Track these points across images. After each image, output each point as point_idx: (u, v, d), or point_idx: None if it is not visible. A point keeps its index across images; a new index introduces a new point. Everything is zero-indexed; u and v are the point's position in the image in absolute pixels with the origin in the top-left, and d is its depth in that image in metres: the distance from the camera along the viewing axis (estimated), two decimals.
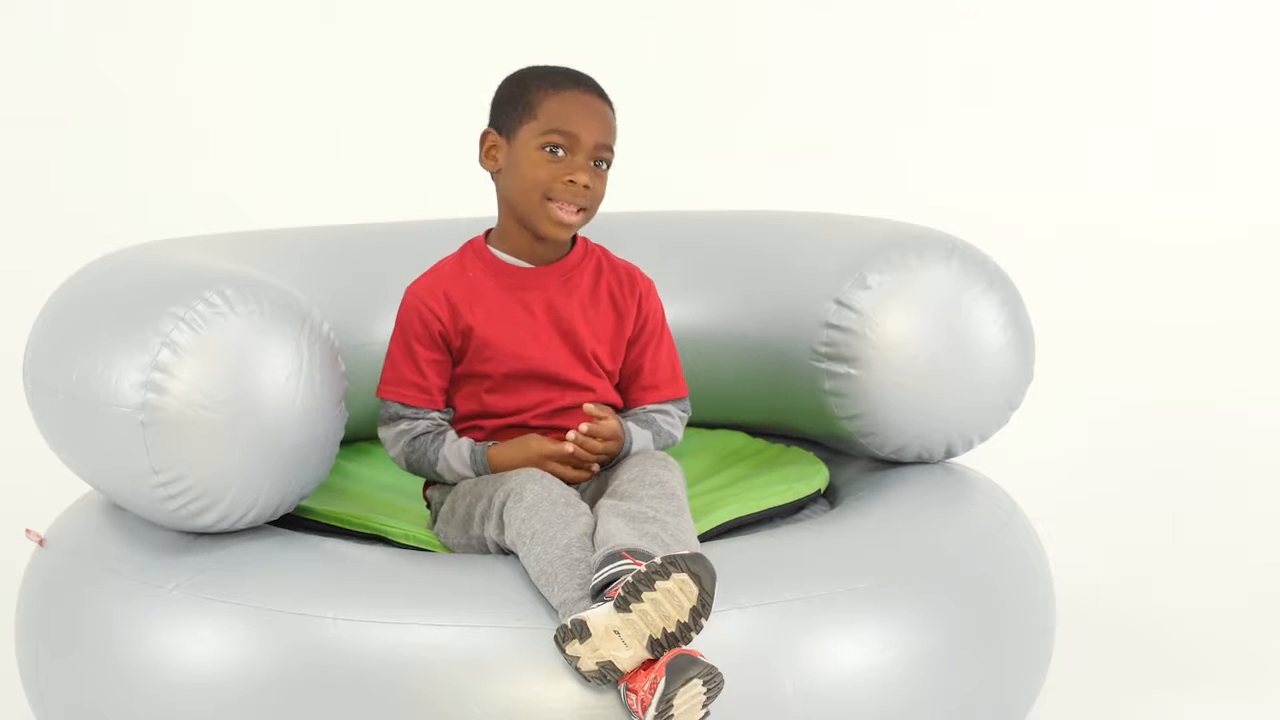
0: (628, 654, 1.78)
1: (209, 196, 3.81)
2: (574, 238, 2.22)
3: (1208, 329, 3.85)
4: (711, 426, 2.62)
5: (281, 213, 3.05)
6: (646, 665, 1.79)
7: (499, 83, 2.18)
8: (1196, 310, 3.88)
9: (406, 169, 3.85)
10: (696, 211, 2.79)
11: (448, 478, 2.15)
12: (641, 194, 2.77)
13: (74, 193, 3.88)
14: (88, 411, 2.00)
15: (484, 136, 2.17)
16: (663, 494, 2.00)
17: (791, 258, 2.49)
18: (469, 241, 2.22)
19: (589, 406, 2.11)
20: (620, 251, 2.28)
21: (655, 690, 1.74)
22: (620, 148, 2.18)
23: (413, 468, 2.17)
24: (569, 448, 2.08)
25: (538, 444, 2.10)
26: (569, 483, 2.10)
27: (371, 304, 2.50)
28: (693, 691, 1.75)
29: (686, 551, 1.80)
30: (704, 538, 2.05)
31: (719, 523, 2.16)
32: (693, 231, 2.68)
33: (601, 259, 2.23)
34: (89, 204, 3.85)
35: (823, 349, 2.32)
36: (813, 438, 2.50)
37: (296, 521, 2.17)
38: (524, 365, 2.15)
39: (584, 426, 2.09)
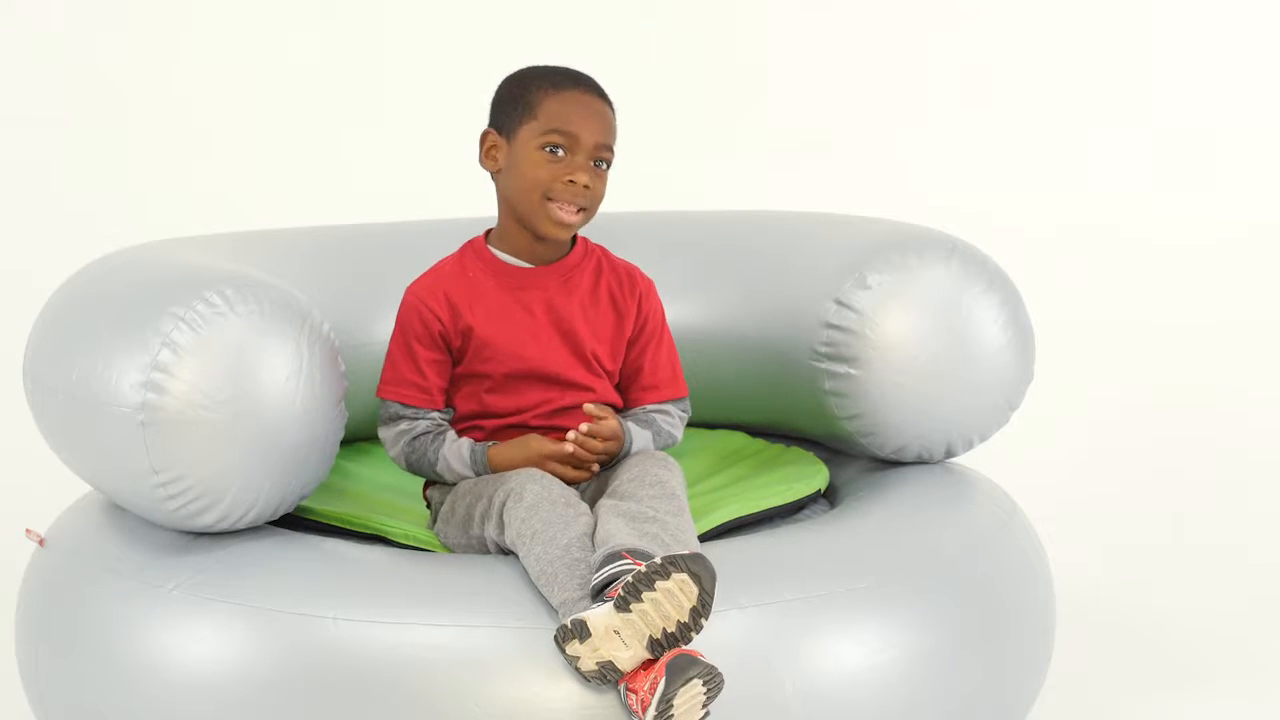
0: (628, 654, 1.78)
1: (209, 196, 3.81)
2: (574, 238, 2.22)
3: (1208, 329, 3.85)
4: (711, 426, 2.62)
5: (281, 213, 3.05)
6: (646, 665, 1.79)
7: (499, 83, 2.18)
8: (1196, 310, 3.88)
9: (406, 169, 3.85)
10: (696, 211, 2.79)
11: (448, 478, 2.15)
12: (641, 194, 2.77)
13: (74, 193, 3.88)
14: (88, 411, 2.00)
15: (484, 136, 2.17)
16: (663, 494, 2.00)
17: (791, 258, 2.49)
18: (469, 241, 2.22)
19: (589, 406, 2.11)
20: (620, 251, 2.28)
21: (655, 690, 1.74)
22: (620, 148, 2.18)
23: (413, 468, 2.17)
24: (569, 448, 2.08)
25: (537, 444, 2.10)
26: (569, 483, 2.10)
27: (371, 304, 2.50)
28: (693, 691, 1.75)
29: (686, 551, 1.80)
30: (704, 538, 2.05)
31: (719, 523, 2.16)
32: (693, 231, 2.68)
33: (602, 259, 2.23)
34: (89, 204, 3.85)
35: (823, 349, 2.32)
36: (813, 438, 2.50)
37: (296, 521, 2.17)
38: (524, 365, 2.15)
39: (584, 426, 2.09)
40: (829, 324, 2.31)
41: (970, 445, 2.37)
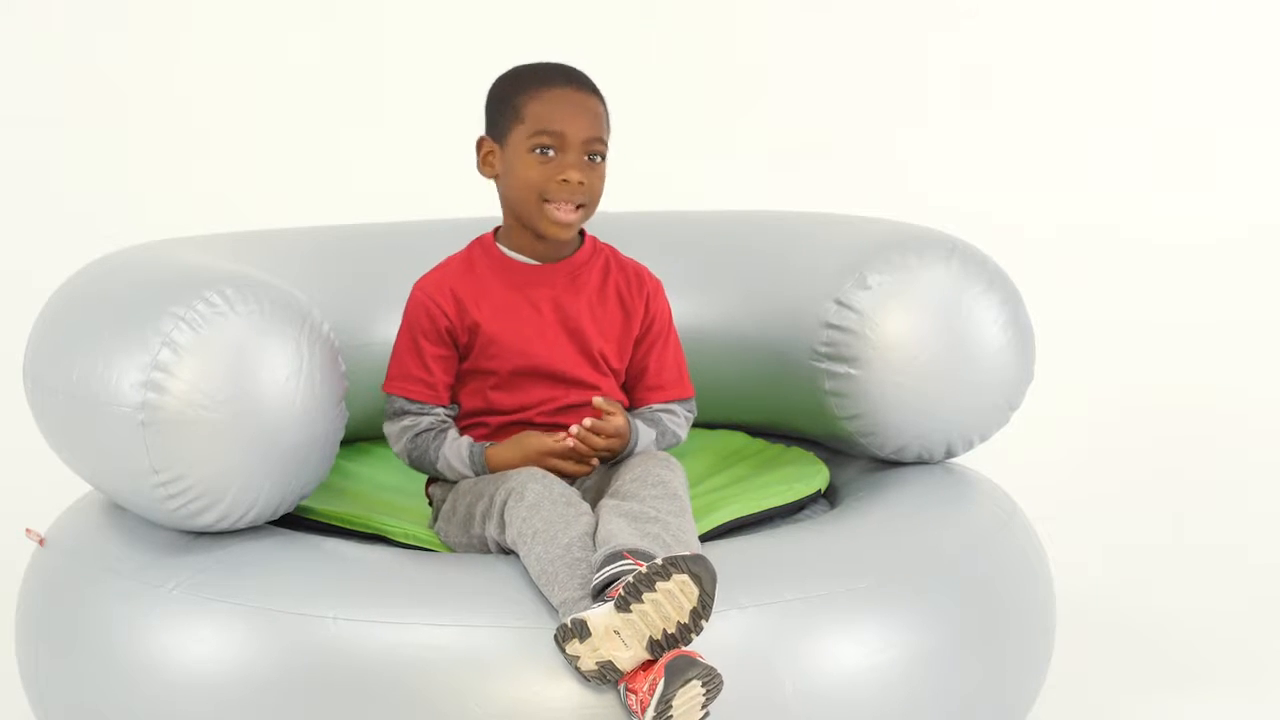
0: (627, 654, 1.78)
1: (209, 196, 3.81)
2: (582, 236, 2.22)
3: (1208, 329, 3.85)
4: (712, 426, 2.62)
5: (281, 213, 3.05)
6: (646, 666, 1.79)
7: (489, 87, 2.19)
8: (1196, 310, 3.88)
9: (406, 169, 3.85)
10: (696, 211, 2.79)
11: (449, 476, 2.15)
12: (641, 194, 2.77)
13: (74, 193, 3.88)
14: (88, 411, 2.00)
15: (479, 144, 2.17)
16: (665, 494, 2.00)
17: (791, 258, 2.49)
18: (477, 238, 2.22)
19: (598, 400, 2.10)
20: (620, 251, 2.28)
21: (654, 691, 1.74)
22: (620, 148, 2.18)
23: (415, 464, 2.17)
24: (570, 442, 2.08)
25: (535, 441, 2.10)
26: (568, 477, 2.10)
27: (371, 304, 2.50)
28: (692, 692, 1.75)
29: (687, 552, 1.80)
30: (704, 538, 2.05)
31: (719, 523, 2.16)
32: (693, 231, 2.68)
33: (610, 258, 2.23)
34: (89, 204, 3.85)
35: (823, 349, 2.32)
36: (813, 438, 2.50)
37: (296, 521, 2.17)
38: (529, 363, 2.16)
39: (587, 421, 2.09)
40: (829, 324, 2.31)
41: (970, 445, 2.37)
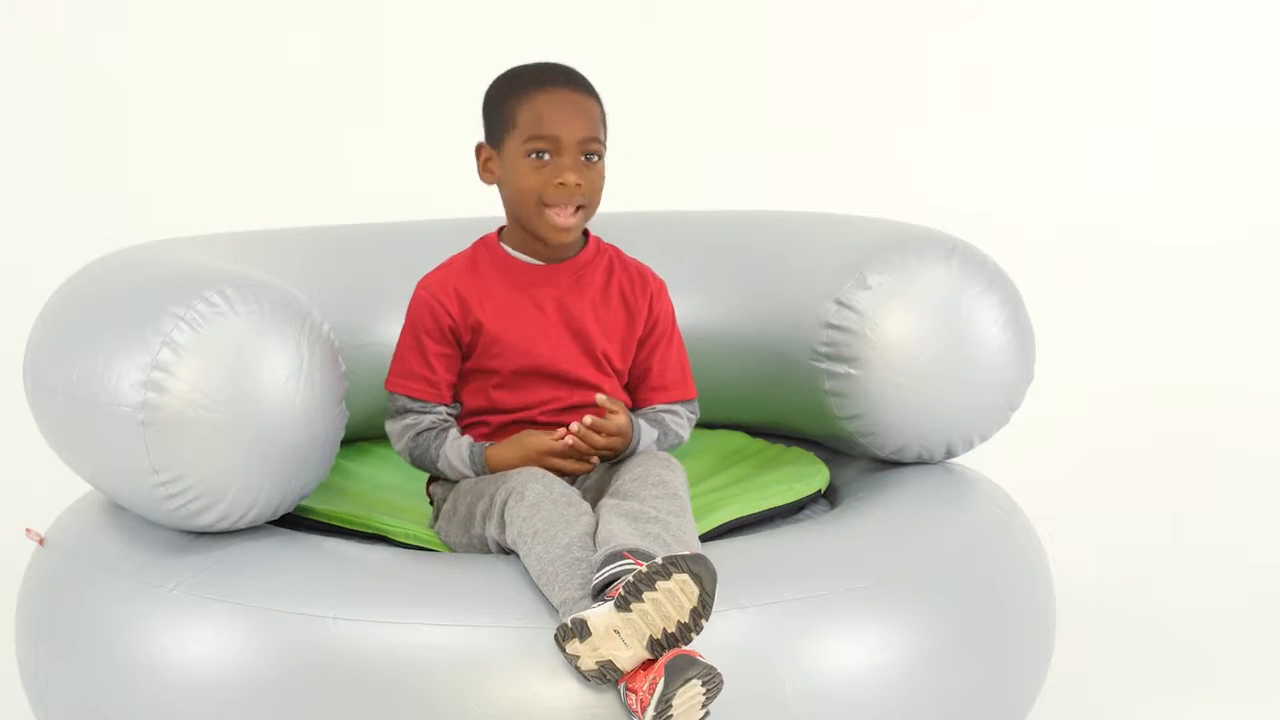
0: (628, 653, 1.78)
1: (209, 196, 3.81)
2: (586, 236, 2.22)
3: (1208, 329, 3.85)
4: (712, 426, 2.62)
5: (281, 213, 3.05)
6: (646, 665, 1.79)
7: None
8: (1196, 310, 3.88)
9: (406, 169, 3.85)
10: (696, 211, 2.79)
11: (449, 475, 2.15)
12: (641, 194, 2.77)
13: (74, 193, 3.88)
14: (88, 411, 2.00)
15: (478, 150, 2.17)
16: (665, 494, 2.00)
17: (791, 258, 2.49)
18: (482, 238, 2.22)
19: (601, 398, 2.11)
20: (623, 251, 2.28)
21: (654, 690, 1.74)
22: (620, 148, 2.17)
23: (416, 462, 2.18)
24: (569, 440, 2.08)
25: (534, 440, 2.10)
26: (568, 475, 2.10)
27: (371, 304, 2.50)
28: (691, 692, 1.75)
29: (688, 552, 1.80)
30: (704, 538, 2.05)
31: (719, 523, 2.16)
32: (693, 231, 2.68)
33: (614, 258, 2.23)
34: (89, 204, 3.85)
35: (823, 349, 2.32)
36: (813, 438, 2.50)
37: (297, 521, 2.17)
38: (533, 362, 2.16)
39: (587, 419, 2.09)
40: (829, 324, 2.31)
41: (970, 445, 2.37)
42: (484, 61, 2.33)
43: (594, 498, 2.09)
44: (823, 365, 2.33)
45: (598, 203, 2.15)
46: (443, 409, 2.18)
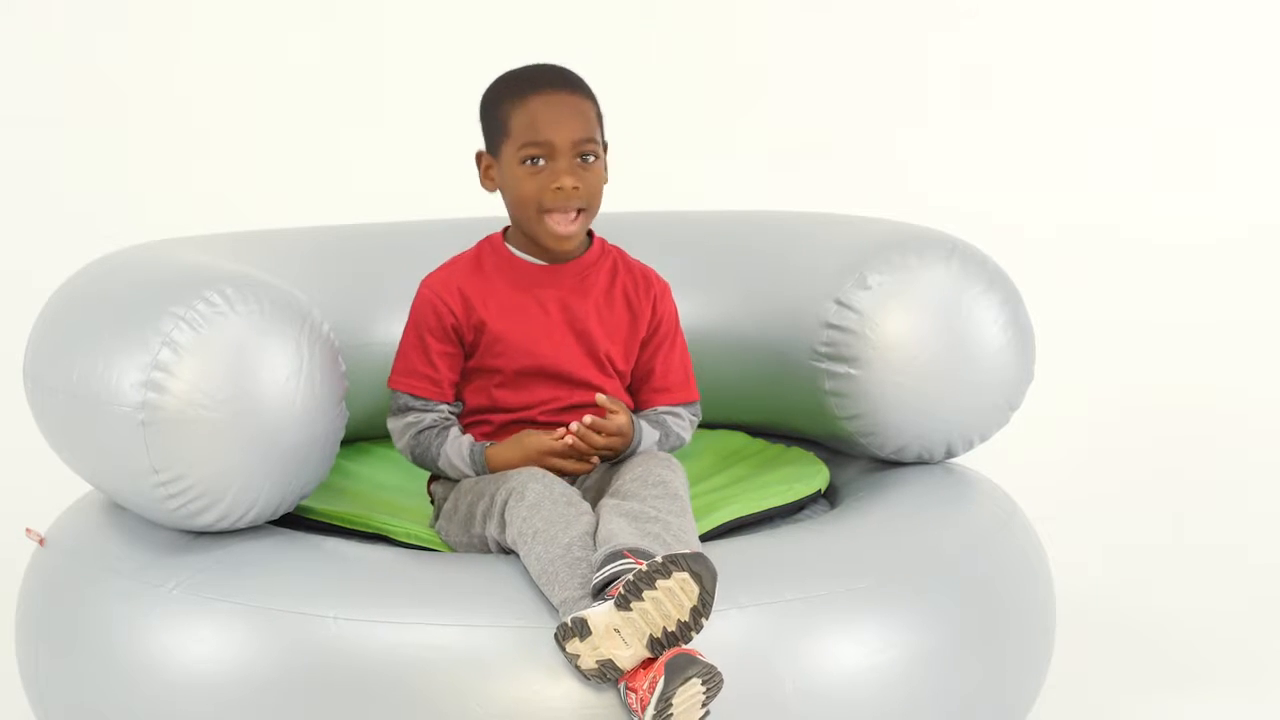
0: (628, 652, 1.78)
1: (209, 196, 3.81)
2: (591, 237, 2.21)
3: (1208, 329, 3.85)
4: (711, 426, 2.62)
5: (281, 213, 3.05)
6: (646, 664, 1.79)
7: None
8: (1196, 310, 3.88)
9: (406, 169, 3.85)
10: (696, 211, 2.79)
11: (450, 473, 2.16)
12: (641, 194, 2.77)
13: (74, 193, 3.88)
14: (88, 411, 2.00)
15: (478, 159, 2.17)
16: (665, 494, 2.00)
17: (791, 258, 2.49)
18: (487, 237, 2.22)
19: (601, 398, 2.11)
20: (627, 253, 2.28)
21: (654, 689, 1.75)
22: (620, 148, 2.17)
23: (417, 460, 2.18)
24: (569, 439, 2.08)
25: (534, 440, 2.10)
26: (568, 475, 2.10)
27: (371, 304, 2.50)
28: (691, 691, 1.75)
29: (688, 551, 1.80)
30: (705, 538, 2.05)
31: (719, 523, 2.16)
32: (693, 231, 2.68)
33: (618, 259, 2.23)
34: (89, 204, 3.84)
35: (823, 349, 2.32)
36: (813, 438, 2.50)
37: (297, 521, 2.17)
38: (535, 362, 2.16)
39: (587, 419, 2.09)
40: (829, 324, 2.31)
41: (970, 445, 2.37)
42: (484, 61, 2.33)
43: (594, 498, 2.09)
44: (823, 365, 2.33)
45: (598, 204, 2.15)
46: (444, 407, 2.18)
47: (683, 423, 2.24)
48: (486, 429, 2.18)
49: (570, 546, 1.89)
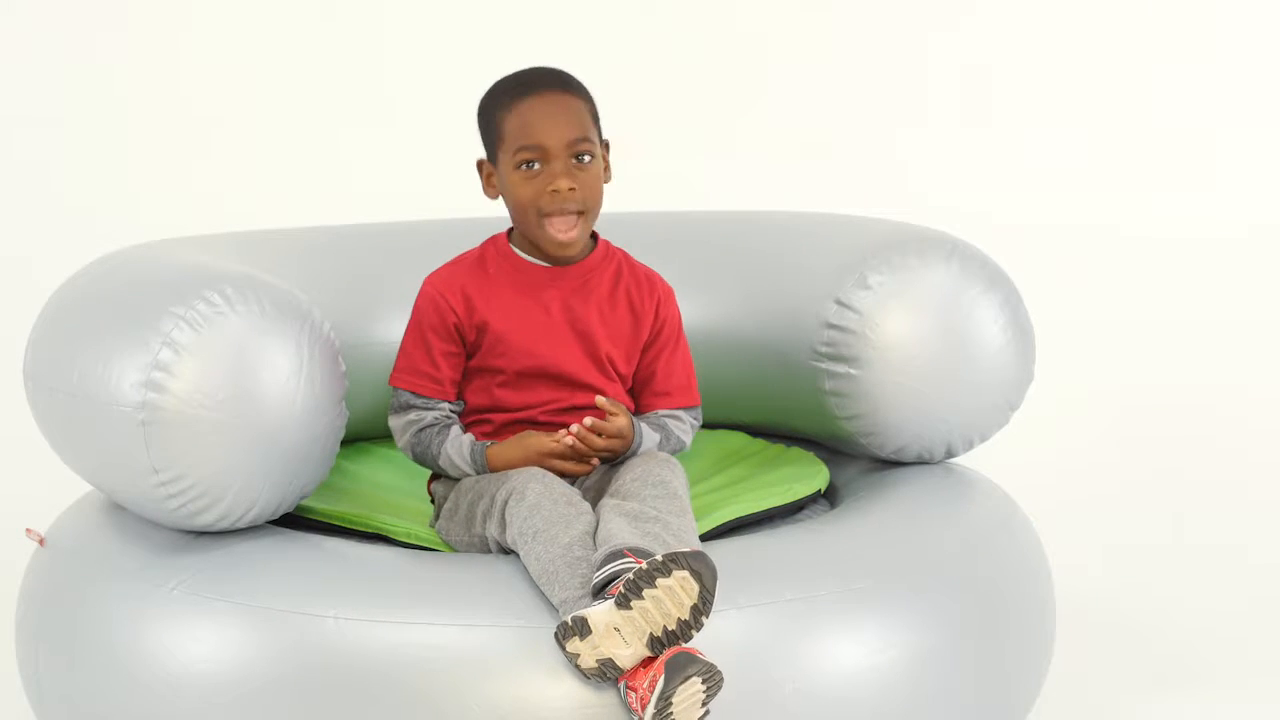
0: (628, 651, 1.78)
1: (209, 196, 3.81)
2: (595, 239, 2.21)
3: (1208, 329, 3.85)
4: (711, 426, 2.62)
5: (281, 213, 3.05)
6: (646, 663, 1.79)
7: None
8: (1196, 310, 3.88)
9: (406, 169, 3.85)
10: (696, 211, 2.79)
11: (450, 472, 2.16)
12: (641, 194, 2.77)
13: (74, 192, 3.88)
14: (88, 411, 2.00)
15: (480, 167, 2.17)
16: (665, 494, 2.00)
17: (791, 258, 2.49)
18: (491, 237, 2.22)
19: (601, 400, 2.11)
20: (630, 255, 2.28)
21: (654, 688, 1.75)
22: (620, 148, 2.17)
23: (418, 459, 2.18)
24: (569, 441, 2.08)
25: (535, 441, 2.11)
26: (568, 476, 2.10)
27: (371, 304, 2.50)
28: (692, 690, 1.75)
29: (688, 549, 1.80)
30: (704, 538, 2.05)
31: (719, 523, 2.16)
32: (693, 231, 2.68)
33: (622, 262, 2.23)
34: (89, 204, 3.85)
35: (823, 349, 2.32)
36: (813, 438, 2.50)
37: (297, 521, 2.17)
38: (536, 363, 2.16)
39: (588, 420, 2.09)
40: (829, 324, 2.31)
41: (970, 445, 2.37)
42: (484, 61, 2.33)
43: (594, 498, 2.09)
44: (823, 365, 2.33)
45: (598, 204, 2.14)
46: (446, 406, 2.18)
47: (684, 426, 2.24)
48: (487, 428, 2.18)
49: (570, 546, 1.89)
